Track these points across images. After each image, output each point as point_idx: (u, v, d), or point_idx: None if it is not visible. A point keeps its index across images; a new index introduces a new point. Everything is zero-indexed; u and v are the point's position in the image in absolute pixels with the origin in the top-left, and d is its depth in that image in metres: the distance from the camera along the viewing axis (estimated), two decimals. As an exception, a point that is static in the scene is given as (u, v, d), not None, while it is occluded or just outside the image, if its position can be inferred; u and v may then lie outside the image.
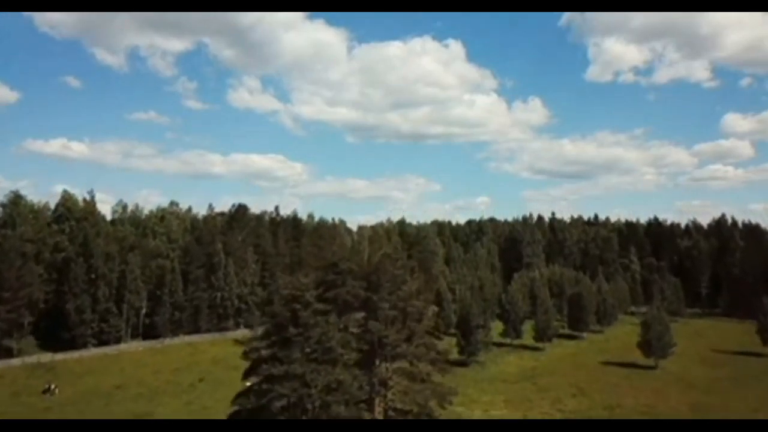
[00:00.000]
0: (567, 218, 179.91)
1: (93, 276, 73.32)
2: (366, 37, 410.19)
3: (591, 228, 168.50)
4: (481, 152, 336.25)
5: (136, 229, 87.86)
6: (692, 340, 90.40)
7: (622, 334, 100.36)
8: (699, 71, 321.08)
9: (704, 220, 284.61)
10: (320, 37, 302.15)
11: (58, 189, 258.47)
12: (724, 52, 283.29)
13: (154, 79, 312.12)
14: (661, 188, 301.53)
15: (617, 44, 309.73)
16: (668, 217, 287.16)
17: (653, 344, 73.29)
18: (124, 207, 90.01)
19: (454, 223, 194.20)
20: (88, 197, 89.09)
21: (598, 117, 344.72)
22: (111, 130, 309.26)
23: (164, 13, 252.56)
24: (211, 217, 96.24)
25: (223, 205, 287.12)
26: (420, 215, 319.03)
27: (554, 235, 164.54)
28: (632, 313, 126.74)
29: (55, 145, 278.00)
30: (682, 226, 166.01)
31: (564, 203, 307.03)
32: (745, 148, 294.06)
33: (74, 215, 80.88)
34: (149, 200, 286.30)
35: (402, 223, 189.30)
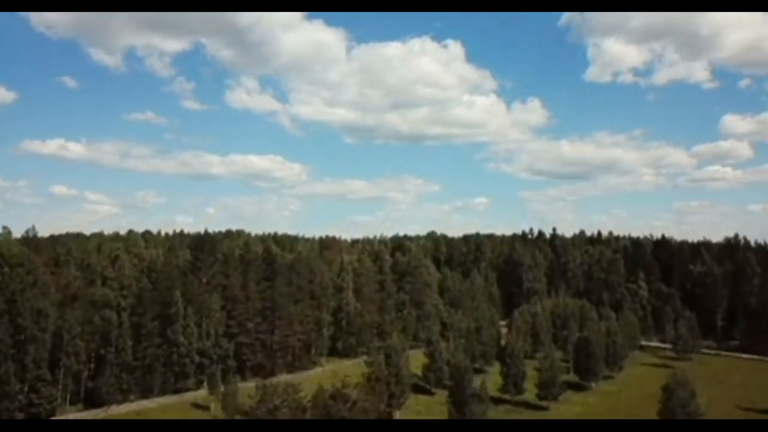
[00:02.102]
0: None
1: (21, 338, 62.39)
2: (365, 37, 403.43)
3: (595, 248, 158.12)
4: (480, 153, 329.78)
5: (84, 272, 76.97)
6: (713, 390, 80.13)
7: (635, 382, 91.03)
8: (698, 72, 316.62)
9: (704, 220, 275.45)
10: (319, 37, 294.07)
11: (56, 190, 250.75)
12: (723, 52, 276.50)
13: (152, 80, 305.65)
14: (659, 189, 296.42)
15: (617, 45, 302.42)
16: (667, 217, 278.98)
17: (677, 413, 62.95)
18: (69, 250, 78.61)
19: (450, 234, 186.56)
20: (29, 234, 78.81)
21: (597, 118, 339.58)
22: (108, 130, 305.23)
23: (162, 13, 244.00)
24: (173, 256, 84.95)
25: (222, 206, 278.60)
26: (419, 216, 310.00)
27: (556, 256, 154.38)
28: (642, 347, 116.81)
29: (52, 146, 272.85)
30: (689, 241, 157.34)
31: (563, 204, 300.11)
32: (743, 149, 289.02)
33: (8, 261, 69.77)
34: (147, 200, 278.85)
35: (396, 239, 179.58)
